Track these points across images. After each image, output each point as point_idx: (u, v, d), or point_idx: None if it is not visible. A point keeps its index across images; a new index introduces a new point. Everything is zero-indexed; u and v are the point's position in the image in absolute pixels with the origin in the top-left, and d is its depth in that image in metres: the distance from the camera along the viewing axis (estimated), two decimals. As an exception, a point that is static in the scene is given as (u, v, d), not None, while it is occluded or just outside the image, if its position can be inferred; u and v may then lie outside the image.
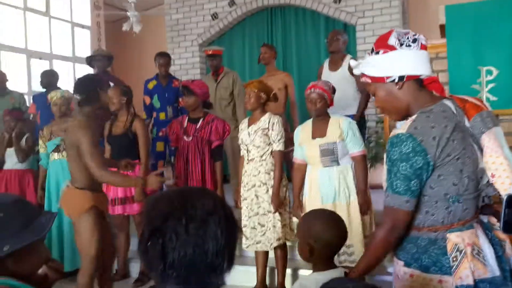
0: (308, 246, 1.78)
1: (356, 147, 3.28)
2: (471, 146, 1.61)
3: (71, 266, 4.18)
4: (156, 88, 5.22)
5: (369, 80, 1.70)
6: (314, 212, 2.02)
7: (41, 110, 5.23)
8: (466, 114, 1.63)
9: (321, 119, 3.34)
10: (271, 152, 3.54)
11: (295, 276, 3.81)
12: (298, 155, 3.50)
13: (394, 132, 1.62)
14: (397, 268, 1.72)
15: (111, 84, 4.31)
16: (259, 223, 3.54)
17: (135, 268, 4.32)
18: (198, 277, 1.14)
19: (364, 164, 3.31)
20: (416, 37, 1.64)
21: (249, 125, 3.64)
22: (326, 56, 6.01)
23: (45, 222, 1.50)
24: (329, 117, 3.35)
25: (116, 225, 4.12)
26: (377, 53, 1.66)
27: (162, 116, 5.16)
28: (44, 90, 5.37)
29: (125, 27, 6.10)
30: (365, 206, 3.27)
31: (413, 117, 1.62)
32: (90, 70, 7.75)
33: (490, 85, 3.54)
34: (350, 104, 4.72)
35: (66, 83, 6.96)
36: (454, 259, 1.58)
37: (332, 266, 1.81)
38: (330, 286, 1.40)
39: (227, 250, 1.16)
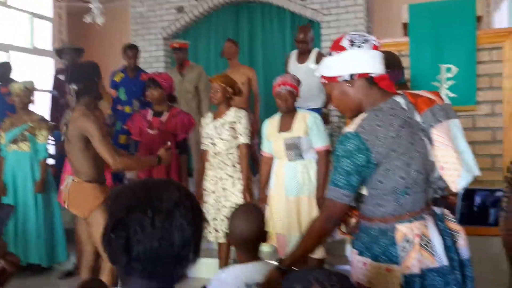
0: (230, 240, 1.82)
1: (320, 142, 3.32)
2: (421, 141, 1.66)
3: (24, 260, 4.13)
4: (123, 81, 5.13)
5: (325, 81, 1.78)
6: (238, 208, 2.05)
7: None
8: (417, 109, 1.69)
9: (289, 113, 3.37)
10: (238, 145, 3.55)
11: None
12: (265, 149, 3.51)
13: (344, 130, 1.69)
14: (353, 256, 1.78)
15: None
16: (226, 216, 3.54)
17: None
18: (163, 270, 1.13)
19: (326, 159, 3.33)
20: (367, 38, 1.70)
21: (214, 118, 3.63)
22: (291, 51, 6.04)
23: (3, 216, 1.46)
24: (296, 111, 3.38)
25: None
26: (331, 55, 1.74)
27: (127, 109, 5.07)
28: None
29: (88, 19, 5.95)
30: (321, 201, 3.28)
31: (363, 115, 1.68)
32: (51, 63, 7.58)
33: (450, 82, 3.64)
34: (315, 97, 4.80)
35: (25, 75, 6.74)
36: (403, 249, 1.63)
37: (256, 258, 1.86)
38: (293, 277, 1.40)
39: (193, 242, 1.15)
